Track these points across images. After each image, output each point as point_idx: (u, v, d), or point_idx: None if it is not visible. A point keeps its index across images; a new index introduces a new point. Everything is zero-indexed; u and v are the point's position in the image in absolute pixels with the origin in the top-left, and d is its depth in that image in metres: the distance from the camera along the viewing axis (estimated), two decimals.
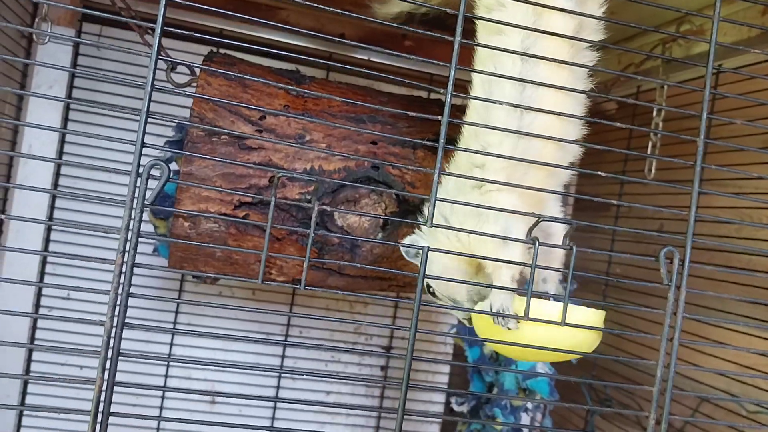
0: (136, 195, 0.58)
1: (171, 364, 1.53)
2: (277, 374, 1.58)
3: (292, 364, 1.60)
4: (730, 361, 1.17)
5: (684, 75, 1.32)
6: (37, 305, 1.43)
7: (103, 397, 0.58)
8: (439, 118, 0.65)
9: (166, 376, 1.52)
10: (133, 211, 0.58)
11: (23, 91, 1.40)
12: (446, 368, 1.67)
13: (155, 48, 0.59)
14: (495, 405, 1.14)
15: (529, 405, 1.16)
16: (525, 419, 1.21)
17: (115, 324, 0.58)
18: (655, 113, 1.20)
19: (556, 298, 0.78)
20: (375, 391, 1.66)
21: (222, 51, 1.10)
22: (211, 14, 1.43)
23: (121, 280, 0.58)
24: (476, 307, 0.75)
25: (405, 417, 1.51)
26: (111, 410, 0.58)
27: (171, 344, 1.52)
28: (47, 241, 1.42)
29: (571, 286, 1.28)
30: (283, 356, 1.59)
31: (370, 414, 1.65)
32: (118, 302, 0.58)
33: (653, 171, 1.21)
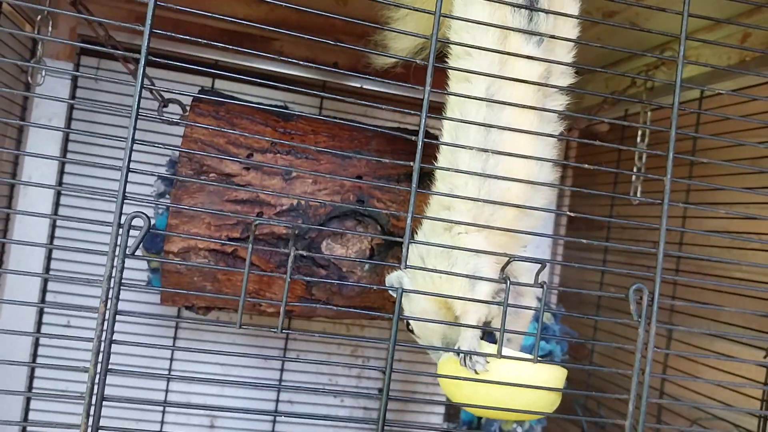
0: (118, 244, 0.61)
1: (170, 389, 1.55)
2: (275, 398, 1.60)
3: (289, 389, 1.62)
4: (721, 385, 1.18)
5: (669, 99, 1.34)
6: (39, 326, 1.46)
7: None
8: (411, 163, 0.68)
9: (166, 391, 1.54)
10: (115, 260, 0.61)
11: (22, 122, 1.43)
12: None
13: (139, 80, 0.62)
14: (485, 430, 1.16)
15: (519, 429, 1.18)
16: None
17: (98, 370, 0.60)
18: (638, 136, 1.22)
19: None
20: (373, 413, 1.68)
21: (216, 83, 1.13)
22: (207, 46, 1.46)
23: (105, 327, 0.61)
24: (444, 356, 0.77)
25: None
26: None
27: (171, 358, 1.54)
28: (47, 269, 1.45)
29: (558, 310, 1.30)
30: (280, 380, 1.61)
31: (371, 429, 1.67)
32: (102, 349, 0.60)
33: (639, 192, 1.23)
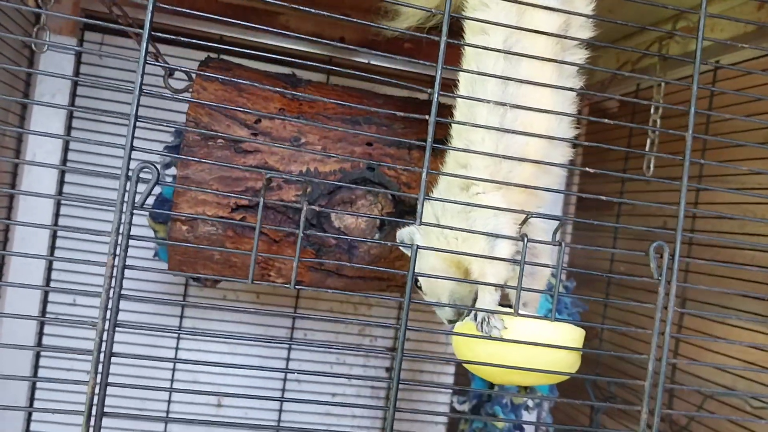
0: (126, 198, 0.59)
1: (177, 368, 1.54)
2: (282, 378, 1.59)
3: (297, 367, 1.60)
4: (733, 357, 1.16)
5: (682, 72, 1.32)
6: (43, 312, 1.45)
7: (95, 400, 0.59)
8: (427, 117, 0.66)
9: (172, 380, 1.53)
10: (123, 214, 0.59)
11: (25, 100, 1.42)
12: (451, 369, 1.67)
13: (143, 52, 0.60)
14: (495, 403, 1.14)
15: (530, 403, 1.16)
16: (526, 417, 1.21)
17: (106, 327, 0.59)
18: (652, 111, 1.20)
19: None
20: (380, 392, 1.67)
21: (222, 57, 1.11)
22: (212, 21, 1.44)
23: (113, 283, 0.59)
24: (460, 322, 0.75)
25: (412, 419, 1.51)
26: (105, 411, 0.59)
27: (177, 348, 1.53)
28: (53, 248, 1.43)
29: (570, 284, 1.28)
30: (288, 359, 1.60)
31: (375, 416, 1.65)
32: (110, 305, 0.59)
33: (652, 168, 1.21)
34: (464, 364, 0.75)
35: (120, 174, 0.59)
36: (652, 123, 1.19)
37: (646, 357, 0.68)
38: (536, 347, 0.67)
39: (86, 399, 0.58)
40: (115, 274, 0.59)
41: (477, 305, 0.71)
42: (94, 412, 0.59)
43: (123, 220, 0.59)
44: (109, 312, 0.59)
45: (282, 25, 1.49)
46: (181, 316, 1.54)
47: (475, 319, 0.69)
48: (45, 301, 1.45)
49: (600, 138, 1.67)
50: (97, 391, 0.59)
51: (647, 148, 1.21)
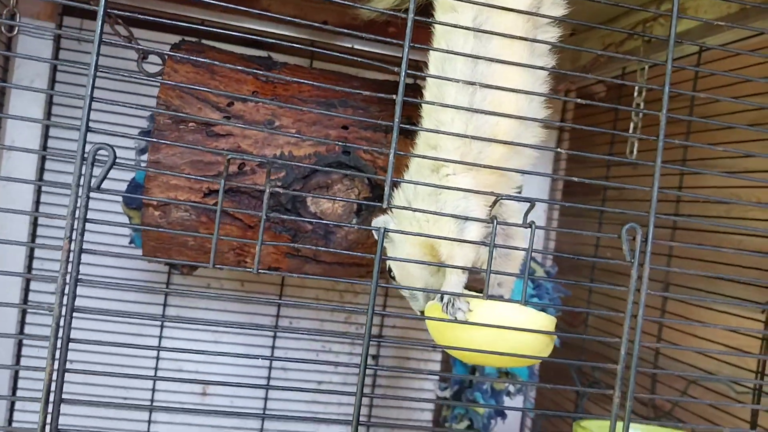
0: (82, 181, 0.58)
1: (162, 357, 1.53)
2: (268, 366, 1.58)
3: (282, 355, 1.59)
4: (718, 342, 1.15)
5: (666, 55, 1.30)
6: (25, 300, 1.43)
7: (53, 386, 0.58)
8: (394, 96, 0.65)
9: (156, 368, 1.52)
10: (78, 198, 0.58)
11: (4, 83, 1.40)
12: (438, 356, 1.67)
13: (98, 30, 0.58)
14: (476, 389, 1.14)
15: (512, 389, 1.16)
16: (509, 404, 1.21)
17: (63, 312, 0.58)
18: (636, 93, 1.18)
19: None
20: (367, 380, 1.66)
21: (201, 41, 1.09)
22: (193, 5, 1.42)
23: (69, 268, 0.58)
24: (429, 302, 0.74)
25: (399, 405, 1.49)
26: (63, 397, 0.58)
27: (160, 336, 1.52)
28: (33, 236, 1.42)
29: (552, 269, 1.27)
30: (273, 347, 1.59)
31: (362, 403, 1.65)
32: (67, 289, 0.58)
33: (635, 152, 1.19)
34: (438, 343, 0.74)
35: (76, 155, 0.58)
36: (635, 106, 1.18)
37: (618, 340, 0.67)
38: (503, 330, 0.66)
39: (43, 385, 0.57)
40: (71, 257, 0.58)
41: (444, 286, 0.70)
42: (51, 398, 0.58)
43: (79, 204, 0.58)
44: (66, 296, 0.58)
45: (263, 9, 1.47)
46: (165, 304, 1.53)
47: (441, 301, 0.68)
48: (27, 289, 1.43)
49: (587, 123, 1.66)
50: (54, 377, 0.58)
51: (630, 131, 1.20)
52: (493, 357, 0.67)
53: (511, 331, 0.66)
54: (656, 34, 1.21)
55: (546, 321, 0.71)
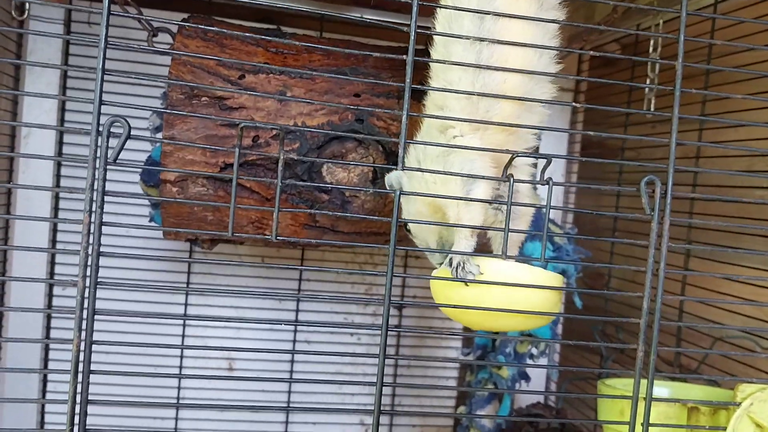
0: (98, 154, 0.58)
1: (187, 324, 1.54)
2: (292, 339, 1.60)
3: (305, 329, 1.61)
4: (742, 297, 1.14)
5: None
6: (51, 273, 1.44)
7: (82, 357, 0.59)
8: (404, 57, 0.64)
9: (183, 336, 1.53)
10: (96, 171, 0.58)
11: (19, 61, 1.41)
12: None
13: (106, 2, 0.58)
14: (499, 352, 1.14)
15: (534, 351, 1.16)
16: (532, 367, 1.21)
17: (87, 284, 0.59)
18: (651, 49, 1.16)
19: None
20: (391, 340, 1.66)
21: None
22: None
23: (90, 240, 0.59)
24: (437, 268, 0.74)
25: (426, 366, 1.50)
26: (92, 369, 0.59)
27: (185, 304, 1.53)
28: (56, 210, 1.43)
29: (572, 230, 1.26)
30: (297, 310, 1.60)
31: (388, 364, 1.65)
32: (89, 262, 0.59)
33: (653, 108, 1.17)
34: (444, 311, 0.74)
35: (90, 130, 0.58)
36: (650, 62, 1.16)
37: (640, 295, 0.67)
38: (509, 291, 0.66)
39: (72, 357, 0.58)
40: (92, 229, 0.59)
41: (454, 246, 0.70)
42: (81, 369, 0.59)
43: (97, 177, 0.58)
44: (89, 269, 0.58)
45: None
46: (188, 283, 1.54)
47: (450, 265, 0.68)
48: (53, 263, 1.45)
49: (601, 76, 1.63)
50: (82, 348, 0.59)
51: (647, 90, 1.18)
52: (502, 319, 0.67)
53: (517, 290, 0.66)
54: None
55: (554, 279, 0.71)
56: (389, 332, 0.61)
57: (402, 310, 1.64)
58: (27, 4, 1.23)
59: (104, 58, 0.58)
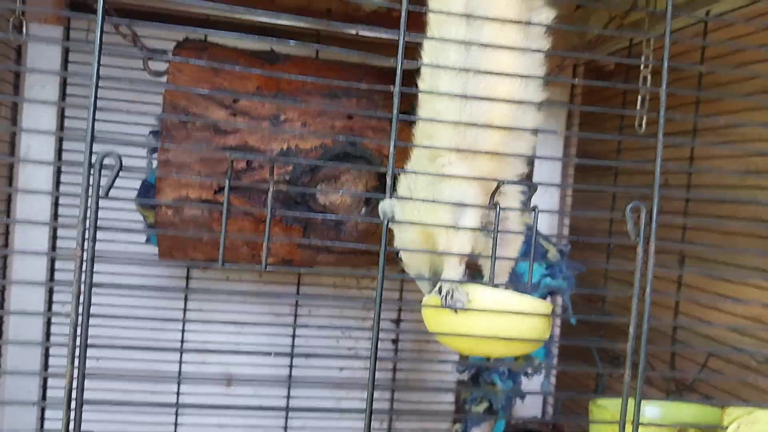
0: (91, 184, 0.59)
1: (185, 351, 1.55)
2: (289, 354, 1.60)
3: (303, 343, 1.61)
4: (737, 315, 1.14)
5: (674, 24, 1.28)
6: (50, 306, 1.45)
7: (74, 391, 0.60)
8: (391, 88, 0.65)
9: (180, 362, 1.54)
10: (88, 205, 0.59)
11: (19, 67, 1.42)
12: None
13: (98, 36, 0.59)
14: (493, 371, 1.15)
15: (529, 370, 1.16)
16: (525, 382, 1.21)
17: (80, 315, 0.59)
18: (642, 66, 1.17)
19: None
20: (388, 364, 1.67)
21: (206, 36, 1.10)
22: None
23: (83, 272, 0.59)
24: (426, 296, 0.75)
25: (423, 390, 1.50)
26: (85, 398, 0.60)
27: (182, 331, 1.53)
28: (54, 240, 1.44)
29: (565, 248, 1.27)
30: (293, 336, 1.60)
31: (384, 388, 1.66)
32: (82, 294, 0.59)
33: (644, 126, 1.18)
34: (437, 337, 0.75)
35: (83, 162, 0.59)
36: (642, 79, 1.16)
37: (626, 322, 0.68)
38: (498, 318, 0.66)
39: (65, 389, 0.59)
40: (85, 262, 0.59)
41: (443, 276, 0.71)
42: (73, 404, 0.60)
43: (89, 212, 0.59)
44: (81, 301, 0.59)
45: (268, 1, 1.47)
46: (185, 310, 1.53)
47: (440, 293, 0.69)
48: (51, 293, 1.45)
49: (596, 99, 1.64)
50: (75, 378, 0.59)
51: (638, 106, 1.18)
52: (490, 346, 0.68)
53: (506, 318, 0.67)
54: (660, 7, 1.19)
55: (542, 306, 0.71)
56: (388, 357, 0.62)
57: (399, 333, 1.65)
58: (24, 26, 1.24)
59: (96, 96, 0.59)
